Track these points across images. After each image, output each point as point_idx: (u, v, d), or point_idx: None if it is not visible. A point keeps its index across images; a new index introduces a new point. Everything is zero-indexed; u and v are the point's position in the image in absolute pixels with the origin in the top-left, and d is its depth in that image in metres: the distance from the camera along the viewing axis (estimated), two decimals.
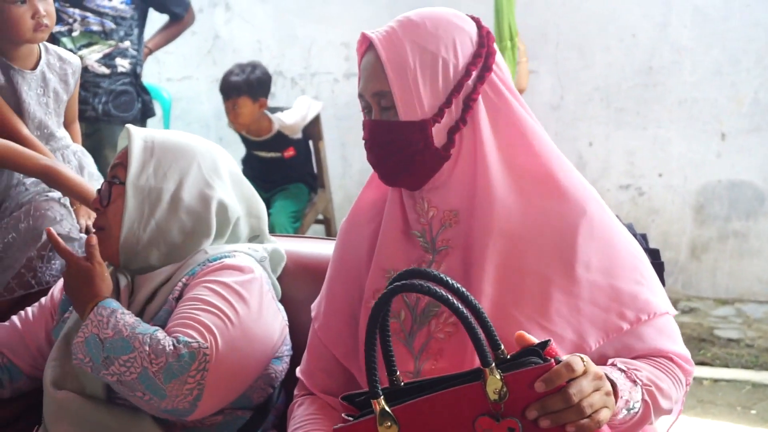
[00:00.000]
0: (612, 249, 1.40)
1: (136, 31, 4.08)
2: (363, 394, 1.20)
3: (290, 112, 4.24)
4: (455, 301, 1.10)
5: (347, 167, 5.10)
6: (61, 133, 2.34)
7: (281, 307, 1.77)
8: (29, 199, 2.15)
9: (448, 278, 1.13)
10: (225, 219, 1.75)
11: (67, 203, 2.20)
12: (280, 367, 1.74)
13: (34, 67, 2.27)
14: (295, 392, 1.64)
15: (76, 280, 1.63)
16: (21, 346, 1.85)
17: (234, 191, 1.79)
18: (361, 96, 1.45)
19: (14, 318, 1.89)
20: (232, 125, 4.26)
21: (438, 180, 1.43)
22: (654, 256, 1.56)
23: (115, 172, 1.73)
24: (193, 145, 1.76)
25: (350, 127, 5.01)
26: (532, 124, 1.43)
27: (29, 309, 1.90)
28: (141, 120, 3.92)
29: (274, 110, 4.20)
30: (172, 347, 1.49)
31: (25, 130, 2.19)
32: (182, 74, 5.32)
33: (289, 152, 4.22)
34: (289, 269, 1.93)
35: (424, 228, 1.45)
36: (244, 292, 1.62)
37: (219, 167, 1.76)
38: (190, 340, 1.50)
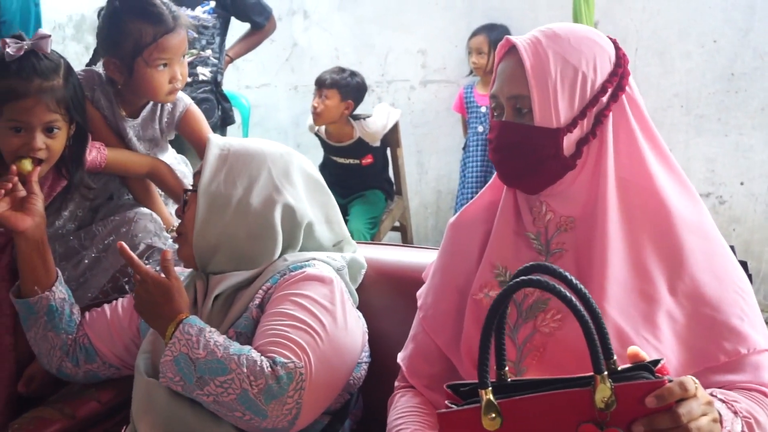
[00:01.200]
0: (718, 280, 1.42)
1: (217, 39, 4.14)
2: (468, 384, 1.21)
3: (372, 119, 4.26)
4: (577, 303, 1.10)
5: (423, 174, 5.12)
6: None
7: (360, 315, 1.80)
8: (133, 207, 2.21)
9: (572, 277, 1.13)
10: (293, 223, 1.78)
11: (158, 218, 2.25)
12: (359, 374, 1.77)
13: (137, 115, 2.28)
14: (396, 383, 1.68)
15: (153, 296, 1.65)
16: (106, 332, 1.92)
17: (307, 196, 1.82)
18: (494, 97, 1.50)
19: (105, 306, 1.97)
20: (312, 118, 4.25)
21: (558, 187, 1.48)
22: (742, 267, 1.55)
23: (195, 180, 1.80)
24: (266, 151, 1.80)
25: (426, 134, 5.03)
26: (653, 146, 1.48)
27: (120, 301, 1.98)
28: (221, 128, 3.97)
29: (354, 118, 4.22)
30: (269, 369, 1.52)
31: None
32: (261, 82, 5.38)
33: (368, 159, 4.24)
34: (366, 276, 1.97)
35: (539, 230, 1.50)
36: (328, 304, 1.65)
37: (291, 172, 1.80)
38: (286, 360, 1.53)
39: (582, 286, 1.12)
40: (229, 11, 4.16)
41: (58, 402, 1.98)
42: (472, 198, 4.47)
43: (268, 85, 5.36)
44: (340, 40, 5.14)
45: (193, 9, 3.70)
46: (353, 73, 4.20)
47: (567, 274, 1.13)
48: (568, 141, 1.44)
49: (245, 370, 1.51)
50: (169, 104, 2.32)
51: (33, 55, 1.92)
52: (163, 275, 1.68)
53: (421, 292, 1.69)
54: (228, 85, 5.17)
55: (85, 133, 2.06)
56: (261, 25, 4.33)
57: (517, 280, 1.15)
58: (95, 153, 2.13)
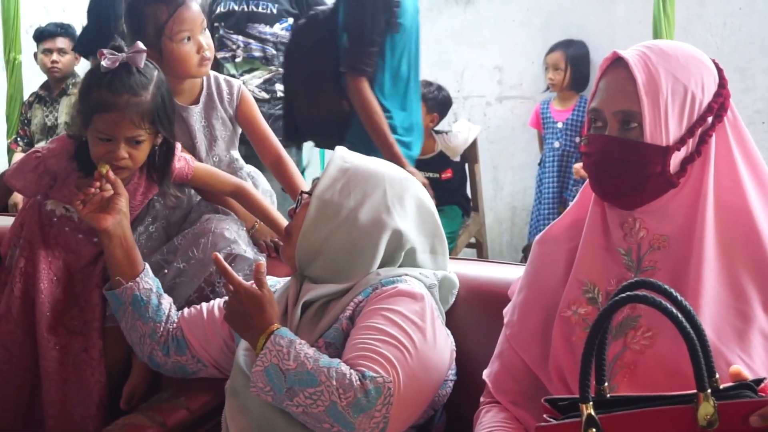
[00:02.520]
0: None
1: None
2: (568, 398, 1.22)
3: (454, 133, 4.29)
4: (683, 320, 1.10)
5: (498, 190, 5.12)
6: (231, 156, 2.43)
7: (449, 333, 1.80)
8: (209, 217, 2.26)
9: (677, 294, 1.13)
10: (396, 246, 1.79)
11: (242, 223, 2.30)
12: (444, 391, 1.76)
13: (197, 101, 2.36)
14: (481, 399, 1.68)
15: (245, 306, 1.68)
16: (200, 329, 1.96)
17: (416, 224, 1.82)
18: (596, 110, 1.49)
19: (203, 305, 2.01)
20: None
21: (656, 204, 1.48)
22: None
23: (313, 185, 1.83)
24: (386, 172, 1.82)
25: (502, 150, 5.03)
26: (751, 167, 1.48)
27: (216, 301, 2.01)
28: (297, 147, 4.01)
29: (436, 132, 4.25)
30: (359, 382, 1.53)
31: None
32: None
33: (447, 174, 4.25)
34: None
35: (630, 247, 1.49)
36: (419, 321, 1.66)
37: (405, 198, 1.80)
38: (375, 375, 1.54)
39: (687, 303, 1.12)
40: None
41: (149, 409, 2.02)
42: (548, 214, 4.49)
43: None
44: None
45: (271, 26, 3.76)
46: (440, 87, 4.25)
47: (673, 290, 1.13)
48: (675, 159, 1.44)
49: (334, 383, 1.53)
50: (224, 85, 2.40)
51: (126, 68, 2.00)
52: (254, 286, 1.71)
53: (507, 309, 1.70)
54: None
55: (171, 143, 2.13)
56: None
57: (624, 295, 1.15)
58: (183, 163, 2.20)
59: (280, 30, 4.02)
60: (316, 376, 1.55)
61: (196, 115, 2.34)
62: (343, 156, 1.83)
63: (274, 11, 3.96)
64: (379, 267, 1.78)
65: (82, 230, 2.19)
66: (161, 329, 1.97)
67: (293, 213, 1.85)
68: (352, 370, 1.56)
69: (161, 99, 2.05)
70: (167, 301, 2.02)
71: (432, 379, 1.68)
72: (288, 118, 3.62)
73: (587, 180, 1.56)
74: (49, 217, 2.24)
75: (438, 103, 4.18)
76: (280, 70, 3.84)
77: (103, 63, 1.99)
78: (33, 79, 5.01)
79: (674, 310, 1.11)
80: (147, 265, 2.03)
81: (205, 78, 2.38)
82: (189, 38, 2.25)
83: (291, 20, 4.09)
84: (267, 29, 3.82)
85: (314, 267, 1.79)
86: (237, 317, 1.70)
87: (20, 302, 2.20)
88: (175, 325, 1.98)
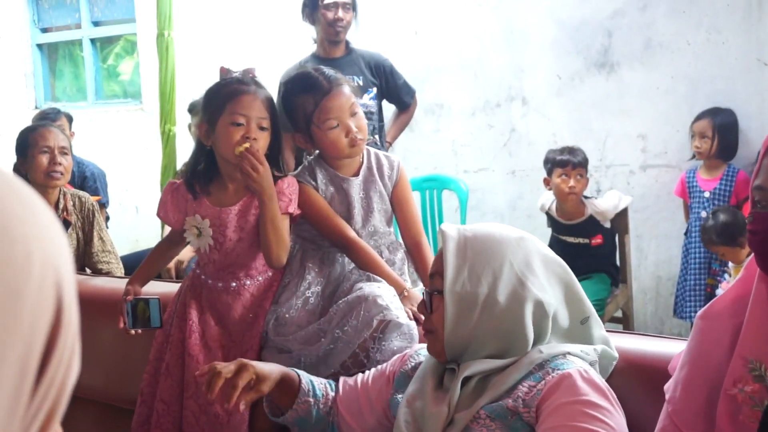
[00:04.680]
0: None
1: (378, 124, 4.34)
2: None
3: (603, 198, 4.28)
4: None
5: (642, 259, 5.03)
6: (385, 229, 2.52)
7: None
8: (362, 285, 2.33)
9: None
10: (542, 316, 1.76)
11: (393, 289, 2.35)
12: None
13: (357, 173, 2.48)
14: None
15: None
16: (355, 404, 1.99)
17: (548, 280, 1.79)
18: (760, 188, 1.48)
19: (358, 378, 2.04)
20: (557, 197, 4.27)
21: None
22: None
23: (434, 282, 1.82)
24: (503, 242, 1.78)
25: (646, 219, 4.96)
26: None
27: (371, 371, 2.04)
28: None
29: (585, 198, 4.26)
30: None
31: (351, 233, 2.41)
32: (478, 166, 5.47)
33: (597, 240, 4.20)
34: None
35: None
36: (616, 413, 1.63)
37: (531, 260, 1.77)
38: None
39: None
40: (384, 94, 4.39)
41: None
42: (695, 284, 4.38)
43: (486, 169, 5.45)
44: (558, 125, 5.18)
45: (360, 97, 3.90)
46: (582, 151, 4.25)
47: None
48: None
49: None
50: (385, 160, 2.51)
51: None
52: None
53: (668, 385, 1.67)
54: (446, 170, 5.35)
55: (280, 139, 2.41)
56: (407, 105, 4.54)
57: None
58: (292, 210, 2.37)
59: (369, 100, 4.18)
60: None
61: (355, 186, 2.44)
62: (453, 237, 1.79)
63: (360, 83, 4.14)
64: (534, 340, 1.76)
65: (223, 278, 2.39)
66: (325, 425, 2.02)
67: (425, 312, 1.83)
68: None
69: (274, 104, 2.39)
70: (326, 393, 2.04)
71: None
72: None
73: (752, 255, 1.54)
74: (200, 281, 2.43)
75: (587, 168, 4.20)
76: (369, 138, 3.97)
77: (225, 71, 2.39)
78: (187, 150, 5.26)
79: None
80: (301, 382, 2.02)
81: (365, 152, 2.50)
82: (337, 124, 2.36)
83: (375, 90, 4.25)
84: (358, 101, 3.95)
85: (467, 356, 1.79)
86: None
87: (178, 360, 2.38)
88: (333, 411, 2.02)
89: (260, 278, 2.42)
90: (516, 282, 1.73)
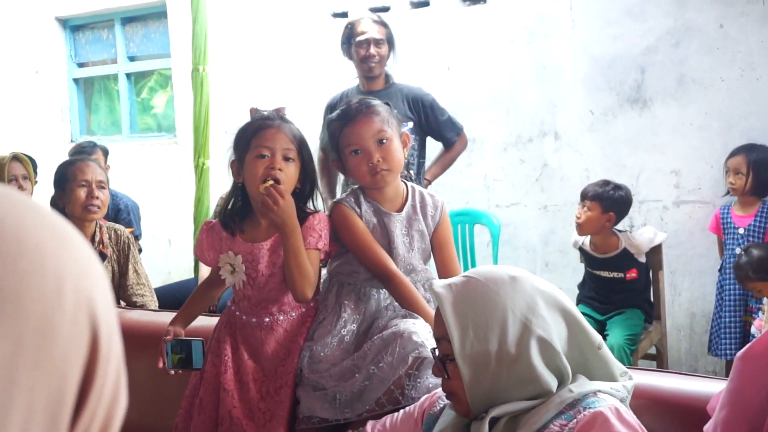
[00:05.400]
0: None
1: (417, 161, 4.33)
2: None
3: (638, 232, 4.26)
4: None
5: (676, 296, 4.98)
6: (422, 267, 2.52)
7: None
8: (397, 322, 2.32)
9: None
10: (552, 353, 1.70)
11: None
12: None
13: (401, 209, 2.49)
14: None
15: None
16: None
17: (552, 317, 1.72)
18: None
19: (386, 419, 2.03)
20: (577, 228, 4.29)
21: None
22: None
23: (442, 348, 1.76)
24: (498, 291, 1.72)
25: (680, 255, 4.92)
26: None
27: (400, 414, 2.02)
28: None
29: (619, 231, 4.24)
30: None
31: (392, 266, 2.41)
32: (510, 201, 5.46)
33: (632, 274, 4.17)
34: (642, 403, 1.91)
35: None
36: None
37: (530, 302, 1.72)
38: None
39: None
40: (425, 130, 4.37)
41: None
42: (730, 321, 4.33)
43: (518, 204, 5.44)
44: (591, 160, 5.17)
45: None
46: (617, 186, 4.20)
47: None
48: None
49: None
50: (429, 199, 2.53)
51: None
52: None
53: (708, 427, 1.65)
54: (478, 204, 5.35)
55: (313, 176, 2.45)
56: (451, 142, 4.49)
57: None
58: (316, 237, 2.40)
59: None
60: None
61: (397, 223, 2.46)
62: (448, 298, 1.74)
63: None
64: (559, 379, 1.72)
65: (257, 314, 2.42)
66: None
67: (440, 375, 1.78)
68: None
69: (304, 138, 2.43)
70: None
71: None
72: None
73: None
74: (235, 317, 2.46)
75: (614, 202, 4.15)
76: (404, 173, 3.97)
77: (256, 110, 2.45)
78: (220, 183, 5.30)
79: None
80: None
81: (410, 189, 2.52)
82: (358, 151, 2.39)
83: (411, 124, 4.25)
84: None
85: (493, 405, 1.73)
86: None
87: (212, 395, 2.40)
88: None
89: (293, 314, 2.43)
90: (521, 328, 1.68)
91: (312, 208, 2.47)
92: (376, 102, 2.47)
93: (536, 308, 1.71)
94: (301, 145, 2.40)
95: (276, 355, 2.38)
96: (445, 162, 4.57)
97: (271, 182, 2.29)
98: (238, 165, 2.41)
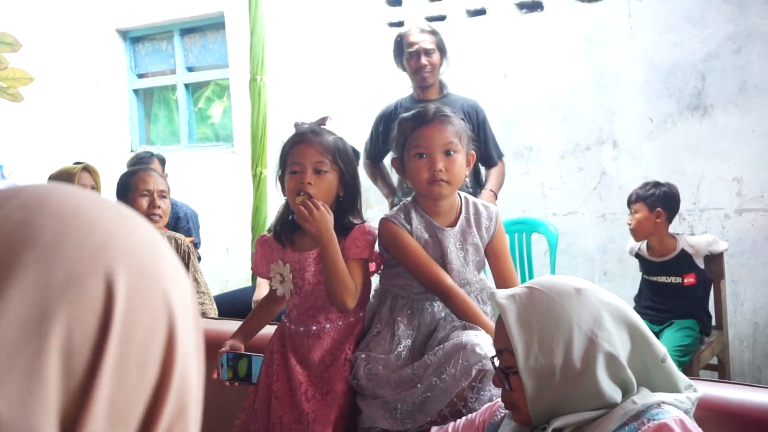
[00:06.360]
0: None
1: (470, 177, 4.28)
2: None
3: (696, 235, 4.21)
4: None
5: (738, 305, 4.89)
6: (476, 279, 2.50)
7: None
8: (459, 333, 2.31)
9: None
10: (617, 366, 1.67)
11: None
12: None
13: (454, 224, 2.47)
14: None
15: None
16: None
17: (618, 330, 1.69)
18: None
19: (449, 425, 2.02)
20: (632, 235, 4.25)
21: None
22: None
23: (504, 359, 1.74)
24: (564, 303, 1.69)
25: (742, 263, 4.83)
26: None
27: (461, 420, 2.01)
28: None
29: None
30: None
31: (448, 280, 2.39)
32: (568, 209, 5.42)
33: (690, 279, 4.09)
34: (706, 416, 1.88)
35: None
36: None
37: (596, 314, 1.68)
38: None
39: None
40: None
41: None
42: None
43: (576, 212, 5.40)
44: (650, 168, 5.10)
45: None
46: (657, 183, 4.17)
47: None
48: None
49: None
50: (483, 210, 2.49)
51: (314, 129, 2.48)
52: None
53: None
54: (535, 213, 5.32)
55: (354, 184, 2.47)
56: (494, 163, 4.48)
57: None
58: (365, 254, 2.43)
59: None
60: None
61: (451, 238, 2.43)
62: (512, 309, 1.71)
63: None
64: (623, 392, 1.68)
65: (305, 323, 2.46)
66: None
67: (502, 386, 1.76)
68: None
69: (342, 144, 2.45)
70: None
71: None
72: None
73: None
74: (286, 328, 2.51)
75: (658, 198, 4.10)
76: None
77: (299, 124, 2.50)
78: (277, 193, 5.33)
79: None
80: None
81: (463, 201, 2.50)
82: (423, 155, 2.38)
83: None
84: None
85: (556, 418, 1.71)
86: None
87: (265, 404, 2.45)
88: None
89: (340, 322, 2.45)
90: (587, 342, 1.65)
91: (360, 219, 2.49)
92: (454, 113, 2.46)
93: (602, 321, 1.67)
94: (336, 155, 2.43)
95: (322, 361, 2.41)
96: (498, 174, 4.52)
97: (305, 196, 2.36)
98: (282, 178, 2.49)
